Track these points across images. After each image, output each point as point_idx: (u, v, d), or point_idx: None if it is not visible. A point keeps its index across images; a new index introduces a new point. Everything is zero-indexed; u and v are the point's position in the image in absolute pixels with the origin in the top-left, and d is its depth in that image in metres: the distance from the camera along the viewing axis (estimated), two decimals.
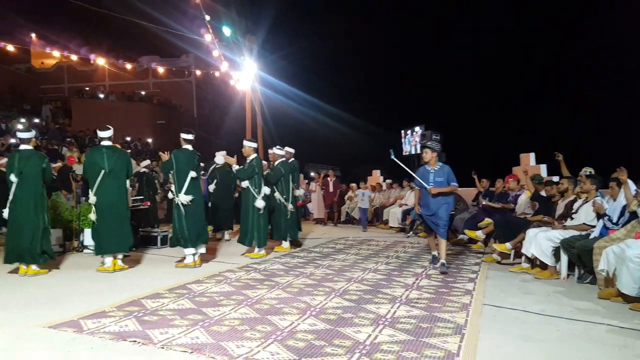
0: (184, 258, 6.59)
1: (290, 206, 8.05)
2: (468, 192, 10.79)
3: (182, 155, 6.60)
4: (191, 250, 6.52)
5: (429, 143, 6.24)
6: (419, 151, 12.28)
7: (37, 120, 20.69)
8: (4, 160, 10.81)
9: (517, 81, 30.11)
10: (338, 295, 4.75)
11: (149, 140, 25.67)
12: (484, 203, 8.51)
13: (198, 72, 24.77)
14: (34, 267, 5.92)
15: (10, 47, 17.81)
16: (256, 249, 7.38)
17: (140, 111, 27.18)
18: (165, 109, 28.63)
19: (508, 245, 6.43)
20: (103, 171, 6.10)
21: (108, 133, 6.31)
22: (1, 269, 6.18)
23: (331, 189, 13.68)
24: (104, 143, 6.26)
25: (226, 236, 9.70)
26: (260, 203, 7.26)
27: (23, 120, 18.87)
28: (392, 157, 6.54)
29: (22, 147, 6.13)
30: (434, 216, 5.95)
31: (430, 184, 5.92)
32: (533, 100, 30.33)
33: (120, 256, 6.28)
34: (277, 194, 7.98)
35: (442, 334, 3.52)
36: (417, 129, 13.16)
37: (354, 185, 14.56)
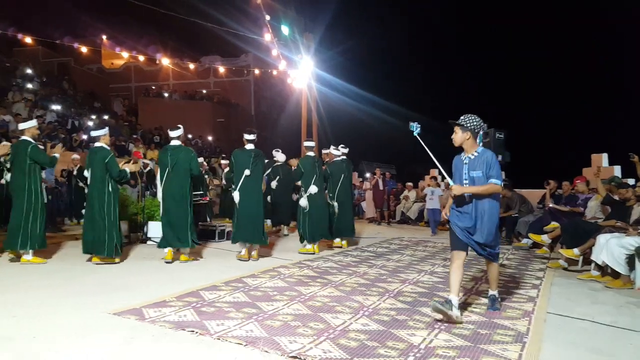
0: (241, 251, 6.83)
1: (335, 204, 8.09)
2: (533, 193, 10.33)
3: (240, 154, 6.81)
4: (243, 244, 6.76)
5: (461, 118, 4.03)
6: None
7: (106, 117, 21.88)
8: (76, 156, 11.59)
9: (590, 76, 28.34)
10: (392, 296, 4.67)
11: (209, 138, 26.50)
12: (550, 206, 8.09)
13: (257, 71, 25.28)
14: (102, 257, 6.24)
15: (84, 49, 19.02)
16: (307, 245, 7.51)
17: (202, 109, 28.08)
18: (224, 108, 29.43)
19: (576, 251, 6.06)
20: (167, 169, 6.40)
21: (177, 132, 6.60)
22: (79, 258, 6.58)
23: (381, 188, 13.45)
24: (173, 142, 6.55)
25: (285, 231, 10.04)
26: (303, 202, 7.47)
27: (94, 117, 20.08)
28: (416, 133, 4.58)
29: (97, 144, 6.46)
30: (474, 231, 3.97)
31: (465, 182, 4.02)
32: (607, 96, 28.45)
33: (186, 249, 6.51)
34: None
35: (501, 342, 3.36)
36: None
37: (409, 184, 14.32)
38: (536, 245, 7.86)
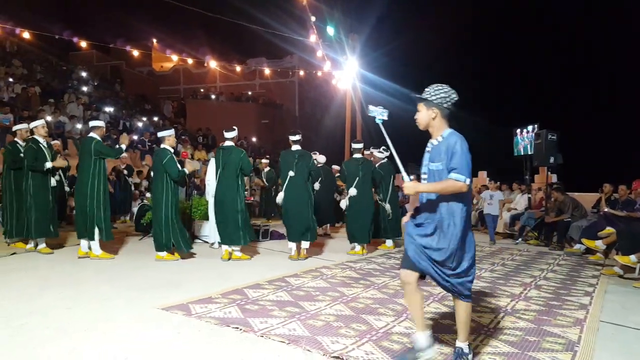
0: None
1: (387, 206, 8.06)
2: (587, 197, 9.91)
3: (285, 156, 6.94)
4: (292, 244, 6.87)
5: (425, 90, 3.01)
6: (530, 152, 11.49)
7: (155, 119, 22.69)
8: (125, 155, 12.11)
9: None
10: (436, 300, 4.59)
11: (254, 139, 26.93)
12: (605, 210, 7.72)
13: (301, 73, 25.50)
14: (162, 254, 6.49)
15: (135, 52, 19.81)
16: (356, 247, 7.57)
17: (247, 111, 28.57)
18: (269, 109, 29.83)
19: (633, 257, 5.76)
20: (220, 169, 6.63)
21: (232, 134, 6.79)
22: (132, 254, 6.84)
23: None
24: (227, 143, 6.73)
25: (327, 231, 10.23)
26: (343, 203, 7.58)
27: (144, 118, 20.87)
28: (378, 119, 3.55)
29: (162, 145, 6.67)
30: (432, 246, 2.90)
31: (423, 176, 3.03)
32: None
33: (236, 247, 6.67)
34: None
35: (551, 349, 3.24)
36: (530, 127, 12.22)
37: None
38: (589, 251, 7.53)
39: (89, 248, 6.42)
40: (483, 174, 15.34)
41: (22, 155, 6.77)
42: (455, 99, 2.98)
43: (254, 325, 3.58)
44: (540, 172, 13.33)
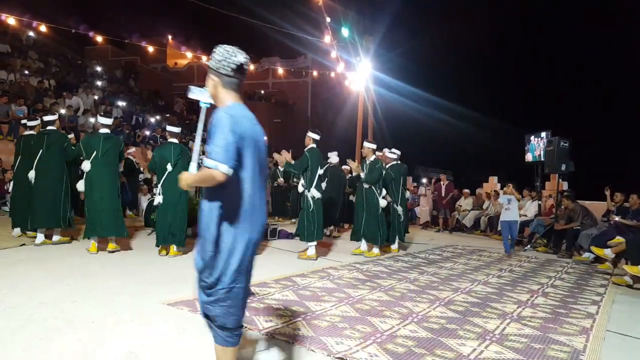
0: (307, 250, 7.03)
1: (399, 208, 8.08)
2: (597, 206, 9.81)
3: (314, 153, 6.98)
4: (314, 243, 6.95)
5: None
6: (543, 158, 11.40)
7: (168, 115, 22.84)
8: (133, 149, 12.25)
9: None
10: (443, 304, 4.58)
11: (265, 138, 26.96)
12: (615, 219, 7.64)
13: (315, 73, 25.51)
14: (175, 249, 6.55)
15: (150, 48, 19.99)
16: (374, 249, 7.59)
17: (259, 110, 28.51)
18: (281, 108, 29.91)
19: None
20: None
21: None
22: (140, 249, 6.96)
23: (443, 194, 13.25)
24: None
25: (335, 233, 10.23)
26: (382, 202, 7.50)
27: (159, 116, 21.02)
28: (204, 103, 2.65)
29: (171, 140, 6.70)
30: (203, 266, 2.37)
31: (200, 163, 2.38)
32: None
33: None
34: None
35: (556, 357, 3.22)
36: (543, 134, 12.12)
37: (466, 191, 13.97)
38: (598, 260, 7.47)
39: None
40: (493, 179, 15.24)
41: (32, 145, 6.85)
42: (240, 62, 2.35)
43: (259, 323, 3.60)
44: (551, 179, 13.22)
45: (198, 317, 3.66)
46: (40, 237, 6.75)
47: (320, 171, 6.95)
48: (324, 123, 31.10)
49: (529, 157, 12.90)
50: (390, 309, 4.25)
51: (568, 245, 8.87)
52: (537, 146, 12.46)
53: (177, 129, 6.88)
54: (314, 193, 6.90)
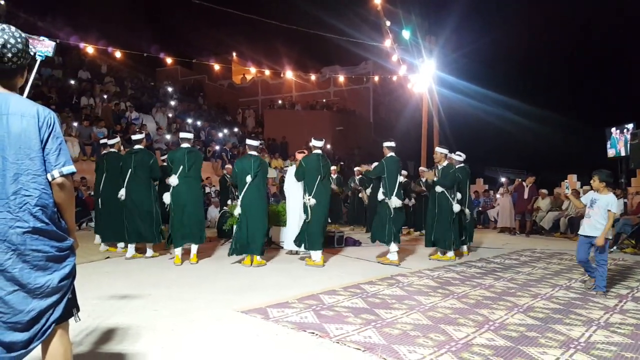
0: (387, 252, 7.09)
1: (467, 211, 7.88)
2: None
3: (391, 162, 7.03)
4: (396, 247, 6.96)
5: None
6: (627, 153, 10.57)
7: (236, 130, 23.66)
8: (228, 166, 12.80)
9: None
10: (521, 311, 4.34)
11: (328, 147, 27.16)
12: None
13: (376, 78, 25.40)
14: (259, 258, 6.70)
15: (217, 66, 20.87)
16: (448, 253, 7.50)
17: (321, 119, 28.87)
18: (343, 116, 29.96)
19: None
20: (320, 175, 6.84)
21: (319, 143, 7.08)
22: (212, 260, 7.22)
23: (526, 196, 12.45)
24: (315, 151, 7.00)
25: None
26: (456, 207, 7.37)
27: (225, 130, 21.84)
28: (40, 54, 2.68)
29: (251, 152, 6.90)
30: None
31: None
32: None
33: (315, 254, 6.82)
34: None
35: None
36: (628, 126, 11.19)
37: (544, 191, 13.23)
38: None
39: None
40: (572, 178, 14.34)
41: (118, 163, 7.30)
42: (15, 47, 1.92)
43: (329, 331, 3.59)
44: (637, 174, 12.22)
45: (270, 325, 3.73)
46: (131, 250, 7.11)
47: (401, 178, 7.08)
48: (386, 128, 30.83)
49: (611, 152, 12.01)
50: (464, 317, 4.09)
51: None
52: (619, 140, 11.57)
53: (256, 142, 7.09)
54: (394, 201, 6.89)
